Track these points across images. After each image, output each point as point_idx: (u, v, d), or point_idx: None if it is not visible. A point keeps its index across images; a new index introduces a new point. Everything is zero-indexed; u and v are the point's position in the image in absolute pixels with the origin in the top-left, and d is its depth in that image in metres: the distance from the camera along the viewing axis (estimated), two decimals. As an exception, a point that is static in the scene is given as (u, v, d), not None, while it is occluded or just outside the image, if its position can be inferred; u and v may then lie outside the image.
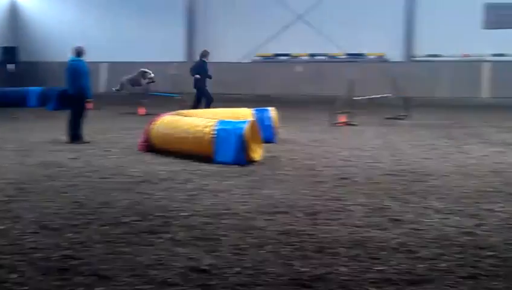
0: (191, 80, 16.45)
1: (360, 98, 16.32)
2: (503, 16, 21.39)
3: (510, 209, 6.82)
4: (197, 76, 16.28)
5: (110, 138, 12.79)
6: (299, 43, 23.36)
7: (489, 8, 21.33)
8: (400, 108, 16.32)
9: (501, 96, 20.09)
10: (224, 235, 5.86)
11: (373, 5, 22.55)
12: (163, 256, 5.25)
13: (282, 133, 12.84)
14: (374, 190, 7.80)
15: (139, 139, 11.24)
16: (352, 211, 6.79)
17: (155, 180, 8.43)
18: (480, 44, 21.22)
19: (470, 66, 21.32)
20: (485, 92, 21.00)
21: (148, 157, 10.31)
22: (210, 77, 16.61)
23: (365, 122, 15.26)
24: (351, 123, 14.99)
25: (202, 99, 16.37)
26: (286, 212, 6.71)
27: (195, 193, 7.67)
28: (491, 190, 7.78)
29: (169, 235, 5.83)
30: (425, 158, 10.18)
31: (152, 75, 18.62)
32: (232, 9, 24.60)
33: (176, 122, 10.56)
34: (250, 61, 24.22)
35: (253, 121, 10.45)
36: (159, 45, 24.85)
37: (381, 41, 22.54)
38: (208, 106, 15.83)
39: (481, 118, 15.87)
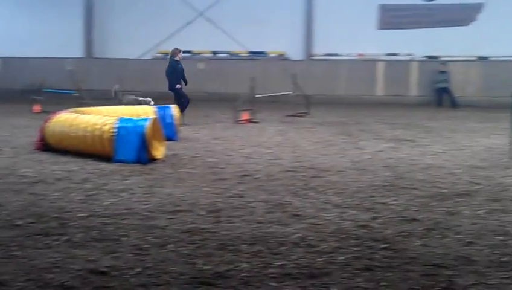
0: (93, 77, 15.93)
1: (262, 95, 16.52)
2: (396, 17, 22.37)
3: (403, 202, 7.14)
4: (178, 86, 14.86)
5: (2, 136, 12.19)
6: (201, 40, 23.31)
7: (383, 10, 22.23)
8: (300, 106, 16.67)
9: (394, 94, 21.01)
10: (125, 236, 5.74)
11: (274, 4, 22.88)
12: (59, 259, 5.06)
13: (184, 130, 12.77)
14: (275, 186, 7.92)
15: (35, 138, 10.80)
16: (254, 207, 6.86)
17: (50, 180, 8.12)
18: (375, 44, 22.08)
19: (365, 65, 22.14)
20: (379, 90, 21.87)
21: (44, 156, 9.91)
22: (185, 82, 15.24)
23: (267, 120, 15.47)
24: (253, 120, 15.15)
25: (182, 100, 14.82)
26: (188, 211, 6.67)
27: (93, 192, 7.46)
28: (385, 184, 8.12)
29: (66, 237, 5.63)
30: (324, 154, 10.46)
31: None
32: (133, 4, 24.14)
33: (73, 120, 10.22)
34: (151, 58, 23.88)
35: (155, 118, 10.31)
36: (55, 40, 23.95)
37: (282, 40, 22.92)
38: (185, 108, 14.69)
39: (376, 116, 16.53)
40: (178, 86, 14.73)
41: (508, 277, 4.75)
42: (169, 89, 15.07)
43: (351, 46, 22.25)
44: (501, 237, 5.77)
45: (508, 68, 20.41)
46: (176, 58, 15.06)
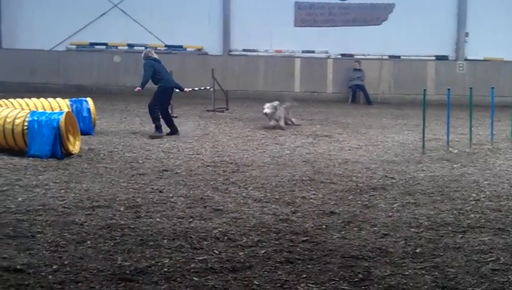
0: (2, 69, 15.18)
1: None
2: (312, 14, 22.77)
3: (321, 196, 7.29)
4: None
5: None
6: (117, 33, 22.77)
7: (299, 7, 22.55)
8: (219, 101, 16.66)
9: (311, 90, 21.39)
10: (40, 232, 5.54)
11: (191, -2, 22.71)
12: (-30, 258, 4.82)
13: (100, 124, 12.46)
14: (196, 181, 7.89)
15: None
16: (175, 202, 6.80)
17: (-41, 175, 7.72)
18: (292, 41, 22.36)
19: (283, 62, 22.38)
20: (297, 87, 22.18)
21: (-50, 150, 9.40)
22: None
23: (185, 115, 15.35)
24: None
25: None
26: (106, 206, 6.53)
27: (6, 188, 7.16)
28: (304, 178, 8.26)
29: (-24, 235, 5.38)
30: (244, 149, 10.51)
31: None
32: (44, -7, 23.24)
33: (-17, 112, 9.73)
34: (64, 49, 23.11)
35: (69, 112, 10.00)
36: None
37: (200, 35, 22.74)
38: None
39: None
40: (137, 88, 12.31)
41: (421, 268, 4.95)
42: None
43: (268, 42, 22.44)
44: (414, 229, 6.01)
45: (418, 67, 21.23)
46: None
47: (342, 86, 21.34)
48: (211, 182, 7.85)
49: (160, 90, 12.12)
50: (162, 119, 11.90)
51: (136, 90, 12.11)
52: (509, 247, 5.46)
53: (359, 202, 7.04)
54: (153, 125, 11.82)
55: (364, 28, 21.89)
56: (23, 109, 10.18)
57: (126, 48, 23.55)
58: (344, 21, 22.39)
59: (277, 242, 5.53)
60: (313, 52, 22.43)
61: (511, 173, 8.80)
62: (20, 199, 6.68)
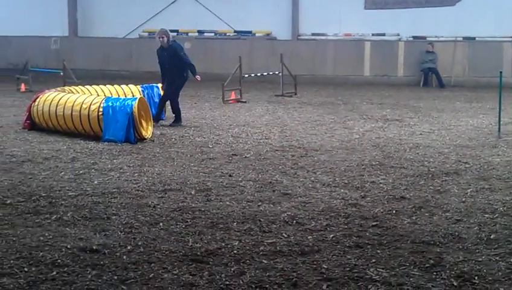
0: (74, 56, 15.66)
1: (249, 75, 16.47)
2: (383, -3, 22.31)
3: (391, 181, 7.19)
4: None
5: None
6: (187, 20, 23.07)
7: (370, -10, 22.14)
8: (288, 86, 16.64)
9: (381, 74, 21.01)
10: (115, 214, 5.74)
11: (260, -17, 22.71)
12: (50, 237, 5.06)
13: (170, 110, 12.71)
14: (264, 166, 7.93)
15: (23, 117, 10.71)
16: (244, 186, 6.87)
17: (39, 159, 8.07)
18: (362, 24, 22.00)
19: (352, 45, 22.08)
20: (366, 70, 21.85)
21: (32, 135, 9.84)
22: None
23: (254, 100, 15.43)
24: (241, 100, 15.11)
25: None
26: (178, 190, 6.68)
27: (82, 172, 7.43)
28: (374, 163, 8.16)
29: (56, 216, 5.62)
30: (312, 134, 10.48)
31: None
32: (118, -17, 23.82)
33: (61, 99, 10.13)
34: (137, 37, 23.64)
35: (141, 97, 10.25)
36: (38, 18, 23.63)
37: (268, 20, 22.75)
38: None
39: (363, 96, 16.52)
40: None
41: (495, 254, 4.82)
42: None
43: (338, 26, 22.17)
44: (489, 215, 5.84)
45: (493, 48, 20.46)
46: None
47: (414, 69, 20.86)
48: (280, 167, 7.88)
49: (185, 80, 11.37)
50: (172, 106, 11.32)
51: (198, 79, 11.38)
52: None
53: (431, 187, 6.90)
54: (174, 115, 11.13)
55: (437, 9, 21.25)
56: (98, 96, 10.51)
57: (196, 34, 23.85)
58: (417, 2, 21.83)
59: (346, 227, 5.51)
60: (383, 35, 22.01)
61: None
62: (96, 182, 6.92)
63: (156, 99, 11.86)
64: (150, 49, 14.83)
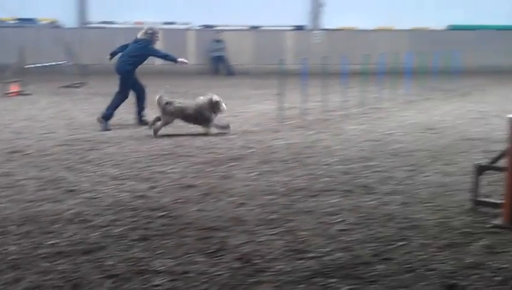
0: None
1: (33, 65, 15.52)
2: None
3: (180, 170, 7.24)
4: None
5: None
6: None
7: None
8: (76, 76, 16.00)
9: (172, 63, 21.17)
10: None
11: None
12: None
13: None
14: (48, 162, 7.54)
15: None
16: (24, 185, 6.46)
17: None
18: (153, 12, 21.95)
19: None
20: (157, 59, 21.85)
21: None
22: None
23: (39, 92, 14.61)
24: (24, 93, 14.19)
25: None
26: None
27: None
28: (164, 153, 8.17)
29: None
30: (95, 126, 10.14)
31: None
32: None
33: None
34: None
35: None
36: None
37: (53, 7, 21.70)
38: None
39: (156, 85, 16.44)
40: None
41: (275, 233, 5.09)
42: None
43: (128, 14, 21.87)
44: (270, 196, 6.16)
45: (276, 37, 21.71)
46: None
47: (204, 58, 21.35)
48: (65, 162, 7.53)
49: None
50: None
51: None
52: (355, 208, 5.76)
53: (217, 173, 7.09)
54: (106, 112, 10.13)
55: (226, -1, 22.00)
56: None
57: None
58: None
59: (132, 220, 5.42)
60: (173, 23, 22.19)
61: (360, 137, 9.29)
62: None
63: None
64: None
